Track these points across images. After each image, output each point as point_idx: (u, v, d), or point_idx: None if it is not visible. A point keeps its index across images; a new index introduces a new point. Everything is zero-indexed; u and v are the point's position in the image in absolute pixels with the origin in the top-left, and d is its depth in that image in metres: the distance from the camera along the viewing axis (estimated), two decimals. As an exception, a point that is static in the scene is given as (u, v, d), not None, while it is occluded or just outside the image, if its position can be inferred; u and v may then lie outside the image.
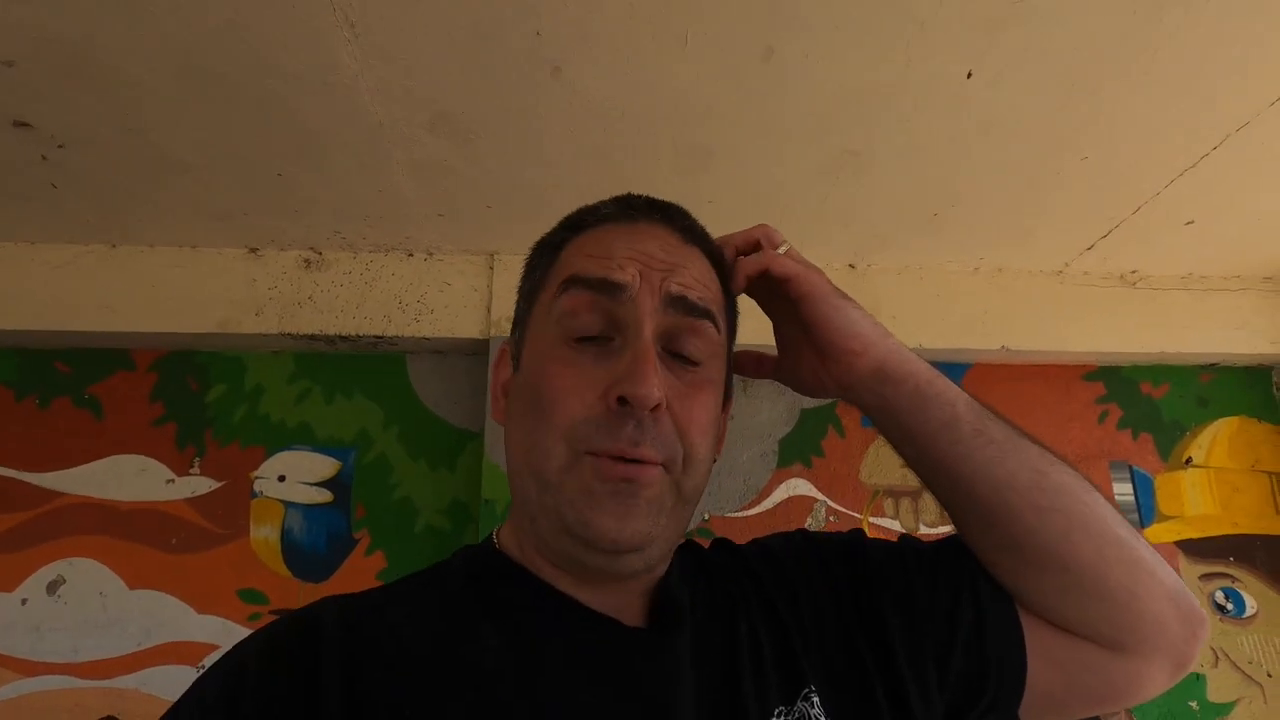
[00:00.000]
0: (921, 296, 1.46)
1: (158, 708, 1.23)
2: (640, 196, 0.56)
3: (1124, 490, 1.49)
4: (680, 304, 0.49)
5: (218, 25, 0.84)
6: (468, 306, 1.38)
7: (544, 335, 0.51)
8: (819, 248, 1.41)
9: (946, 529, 1.48)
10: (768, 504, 1.42)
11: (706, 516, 1.40)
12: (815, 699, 0.49)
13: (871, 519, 1.43)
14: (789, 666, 0.50)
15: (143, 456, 1.35)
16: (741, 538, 1.48)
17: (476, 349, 1.40)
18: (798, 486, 1.43)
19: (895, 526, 1.42)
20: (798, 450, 1.45)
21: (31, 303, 1.32)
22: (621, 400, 0.45)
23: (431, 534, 1.35)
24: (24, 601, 1.26)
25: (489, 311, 1.38)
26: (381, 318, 1.36)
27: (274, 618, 1.27)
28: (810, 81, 0.95)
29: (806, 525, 1.41)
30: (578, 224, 0.55)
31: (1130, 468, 1.51)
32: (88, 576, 1.28)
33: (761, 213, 1.28)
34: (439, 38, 0.88)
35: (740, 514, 1.41)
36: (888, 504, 1.44)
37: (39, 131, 1.03)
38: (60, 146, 1.07)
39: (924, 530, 1.43)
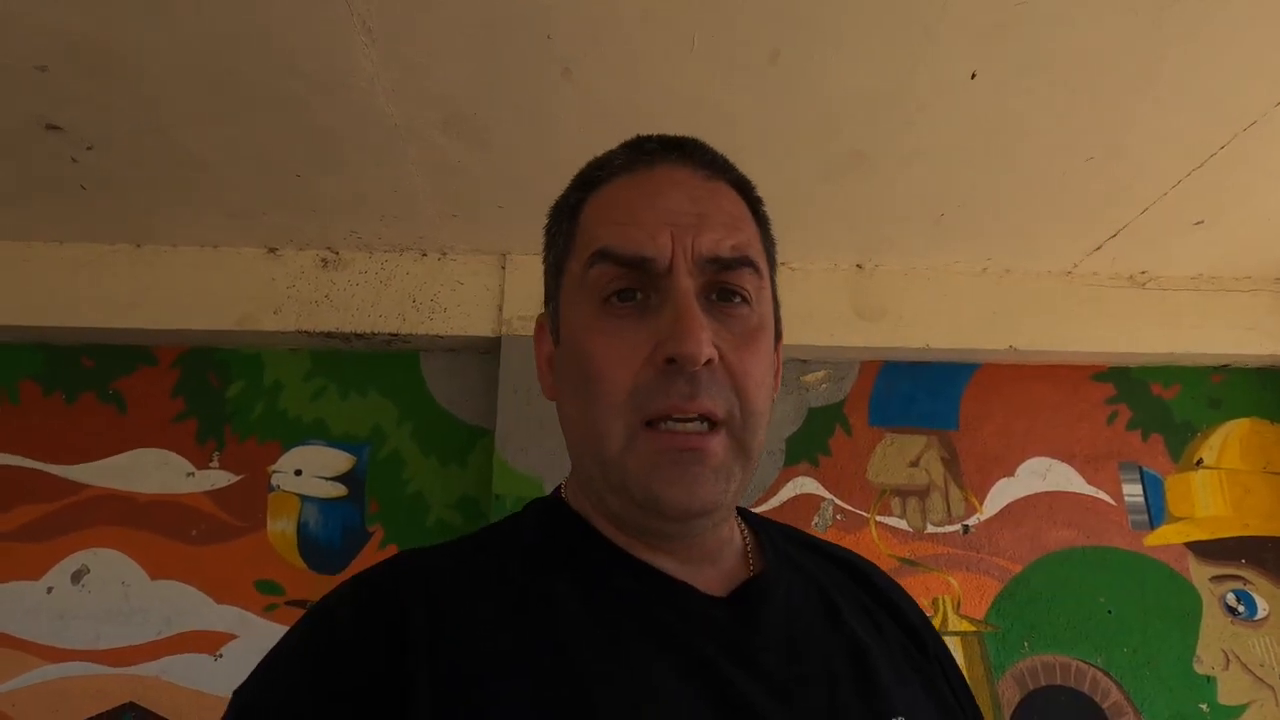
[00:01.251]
0: (929, 297, 1.47)
1: (177, 695, 1.27)
2: (651, 138, 0.53)
3: (1134, 491, 1.49)
4: (714, 263, 0.47)
5: (240, 30, 0.87)
6: (480, 305, 1.41)
7: (580, 305, 0.48)
8: (826, 249, 1.43)
9: (952, 528, 1.48)
10: (775, 501, 1.43)
11: (714, 513, 1.41)
12: None
13: (878, 518, 1.44)
14: (886, 681, 0.49)
15: (164, 450, 1.38)
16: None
17: (488, 347, 1.43)
18: (804, 485, 1.44)
19: (902, 525, 1.43)
20: (804, 449, 1.46)
21: (59, 300, 1.36)
22: (670, 360, 0.44)
23: (443, 528, 1.37)
24: (50, 590, 1.30)
25: (501, 310, 1.40)
26: (396, 316, 1.39)
27: (290, 609, 1.32)
28: (816, 84, 0.97)
29: (813, 524, 1.42)
30: (591, 181, 0.52)
31: (1140, 468, 1.51)
32: (110, 566, 1.31)
33: (771, 213, 1.29)
34: (453, 41, 0.90)
35: (747, 511, 1.42)
36: (894, 503, 1.45)
37: (69, 134, 1.07)
38: (89, 149, 1.10)
39: (930, 529, 1.43)
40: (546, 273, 0.55)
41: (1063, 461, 1.49)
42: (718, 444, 0.45)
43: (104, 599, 1.30)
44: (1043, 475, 1.48)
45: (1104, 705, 1.36)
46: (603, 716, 0.41)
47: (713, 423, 0.45)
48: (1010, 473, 1.48)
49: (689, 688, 0.43)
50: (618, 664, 0.43)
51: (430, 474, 1.40)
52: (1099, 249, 1.42)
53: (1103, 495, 1.48)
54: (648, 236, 0.46)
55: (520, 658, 0.42)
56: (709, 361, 0.44)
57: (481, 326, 1.39)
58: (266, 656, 0.43)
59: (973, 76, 0.97)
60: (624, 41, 0.90)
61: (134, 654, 1.28)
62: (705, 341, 0.44)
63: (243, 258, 1.40)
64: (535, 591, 0.46)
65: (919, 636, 0.56)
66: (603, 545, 0.49)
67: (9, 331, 1.38)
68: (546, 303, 0.55)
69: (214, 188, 1.21)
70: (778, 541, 0.56)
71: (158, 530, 1.34)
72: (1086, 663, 1.38)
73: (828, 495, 1.44)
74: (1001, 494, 1.47)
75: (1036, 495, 1.47)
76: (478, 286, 1.42)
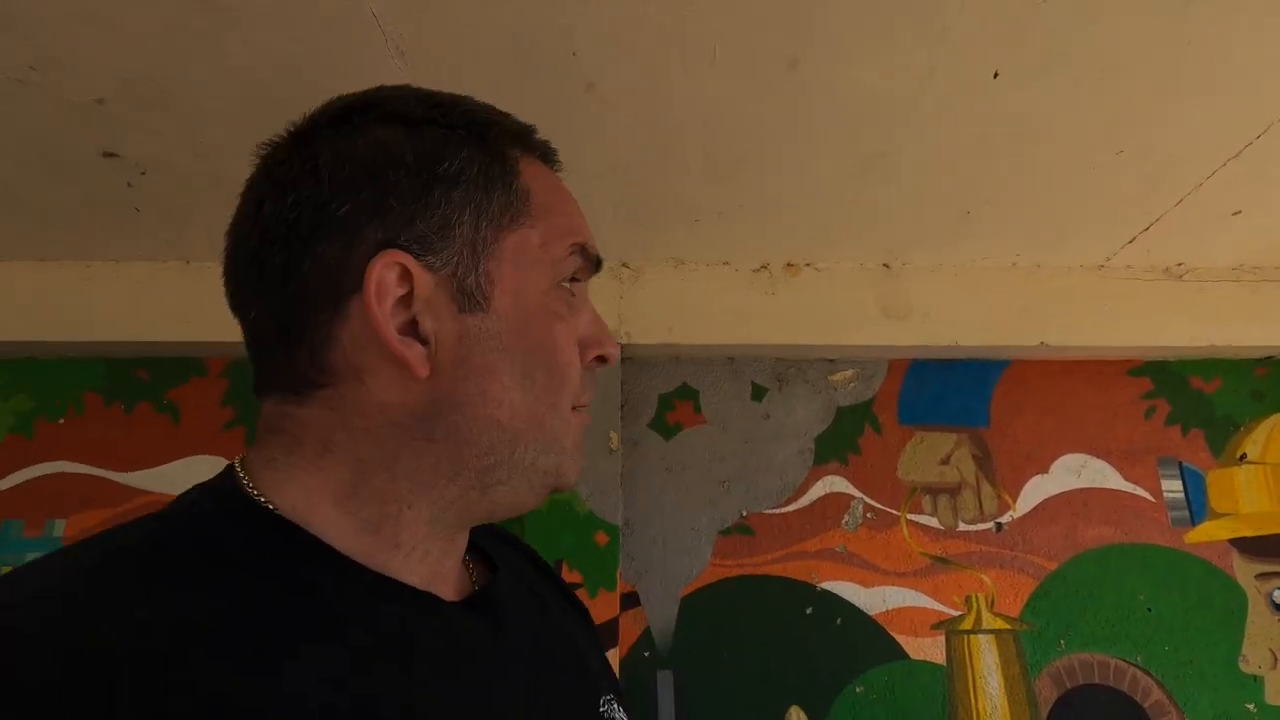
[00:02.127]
0: (956, 294, 1.46)
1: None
2: (534, 128, 0.50)
3: (1173, 487, 1.47)
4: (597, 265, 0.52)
5: (281, 60, 0.92)
6: (511, 312, 1.44)
7: (534, 281, 0.45)
8: (851, 248, 1.44)
9: (984, 526, 1.47)
10: (804, 501, 1.44)
11: (744, 513, 1.43)
12: (615, 701, 0.52)
13: (909, 515, 1.44)
14: (594, 665, 0.54)
15: (216, 457, 1.45)
16: (779, 534, 1.51)
17: (520, 353, 1.46)
18: (834, 484, 1.45)
19: (934, 524, 1.43)
20: (834, 447, 1.47)
21: (116, 316, 1.44)
22: (601, 360, 0.49)
23: (479, 530, 1.41)
24: (114, 590, 1.38)
25: (531, 316, 1.44)
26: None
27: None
28: (835, 89, 0.98)
29: (843, 522, 1.43)
30: (521, 137, 0.48)
31: (1180, 464, 1.48)
32: (169, 567, 1.39)
33: (794, 215, 1.31)
34: (482, 61, 0.94)
35: (777, 511, 1.44)
36: (925, 501, 1.45)
37: (124, 160, 1.14)
38: (142, 173, 1.17)
39: (962, 526, 1.43)
40: (436, 207, 0.42)
41: (1098, 458, 1.47)
42: None
43: (164, 598, 1.37)
44: (1077, 472, 1.47)
45: (1145, 704, 1.34)
46: None
47: None
48: (1044, 469, 1.47)
49: (447, 706, 0.40)
50: (371, 697, 0.37)
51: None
52: (1132, 242, 1.40)
53: (1141, 492, 1.46)
54: (589, 230, 0.51)
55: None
56: None
57: (513, 333, 1.43)
58: None
59: (995, 76, 0.97)
60: (646, 56, 0.93)
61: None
62: None
63: (285, 271, 1.46)
64: (252, 641, 0.35)
65: (583, 609, 0.62)
66: (342, 564, 0.40)
67: (74, 347, 1.46)
68: (425, 242, 0.42)
69: (258, 206, 1.27)
70: (481, 538, 0.55)
71: (212, 533, 1.41)
72: (1126, 661, 1.36)
73: (858, 494, 1.45)
74: (1035, 491, 1.46)
75: (1071, 492, 1.46)
76: (509, 294, 1.46)
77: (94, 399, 1.49)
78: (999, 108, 1.03)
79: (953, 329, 1.44)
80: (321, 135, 0.44)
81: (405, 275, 0.41)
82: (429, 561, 0.45)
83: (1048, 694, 1.34)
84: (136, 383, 1.50)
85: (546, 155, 0.50)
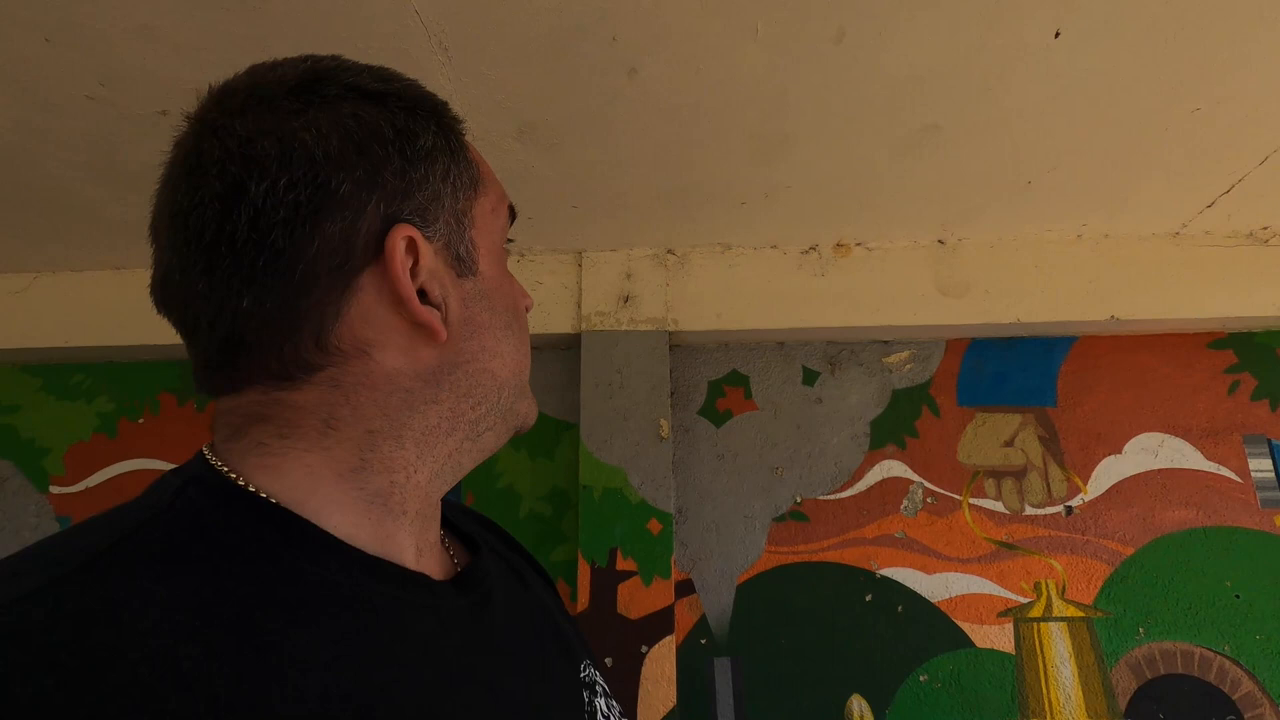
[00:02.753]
0: (1018, 269, 1.40)
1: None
2: (448, 104, 0.50)
3: (1262, 466, 1.38)
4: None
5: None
6: (559, 303, 1.45)
7: (495, 246, 0.50)
8: (903, 225, 1.39)
9: (1053, 509, 1.42)
10: (860, 486, 1.41)
11: (799, 499, 1.41)
12: (591, 667, 0.54)
13: (972, 500, 1.39)
14: (569, 633, 0.56)
15: (282, 452, 1.51)
16: (834, 521, 1.48)
17: (569, 343, 1.47)
18: (891, 468, 1.42)
19: (998, 508, 1.38)
20: (890, 431, 1.43)
21: (186, 320, 1.51)
22: (527, 309, 0.53)
23: (535, 520, 1.44)
24: (194, 580, 1.45)
25: (579, 306, 1.44)
26: (481, 318, 1.46)
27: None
28: (884, 60, 0.95)
29: (902, 507, 1.39)
30: (457, 124, 0.49)
31: (1269, 442, 1.39)
32: (243, 558, 1.45)
33: (841, 194, 1.27)
34: (524, 53, 0.94)
35: (832, 496, 1.41)
36: (989, 484, 1.40)
37: (188, 169, 1.18)
38: (205, 181, 1.22)
39: (1029, 510, 1.38)
40: (424, 181, 0.44)
41: (1177, 436, 1.40)
42: None
43: (239, 588, 1.44)
44: (1154, 452, 1.39)
45: (1234, 696, 1.27)
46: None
47: None
48: (1117, 450, 1.40)
49: (443, 686, 0.40)
50: (370, 682, 0.36)
51: (520, 467, 1.46)
52: (1211, 206, 1.31)
53: (1225, 472, 1.38)
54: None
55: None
56: None
57: (562, 324, 1.44)
58: None
59: (1056, 35, 0.92)
60: (687, 37, 0.91)
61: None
62: None
63: (341, 271, 1.51)
64: (250, 635, 0.34)
65: (549, 578, 0.65)
66: (329, 544, 0.40)
67: (149, 350, 1.54)
68: (424, 214, 0.44)
69: (313, 208, 1.31)
70: (453, 515, 0.56)
71: (281, 525, 1.47)
72: (1212, 650, 1.29)
73: (916, 478, 1.41)
74: (1108, 473, 1.39)
75: (1148, 473, 1.38)
76: (556, 285, 1.47)
77: (168, 399, 1.57)
78: (1061, 69, 0.97)
79: (1015, 305, 1.38)
80: (281, 108, 0.41)
81: (411, 247, 0.42)
82: (422, 530, 0.46)
83: (1126, 684, 1.28)
84: (207, 383, 1.57)
85: (464, 129, 0.51)
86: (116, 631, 0.30)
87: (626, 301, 1.44)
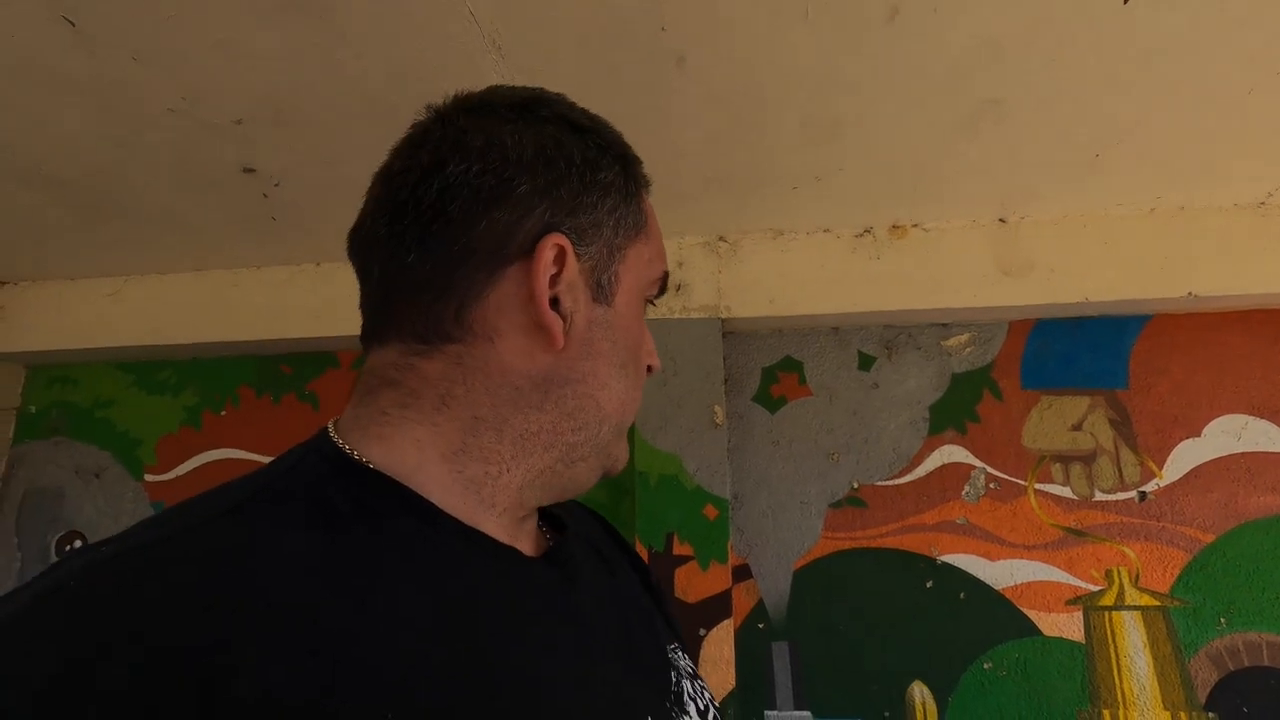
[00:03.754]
0: (1085, 245, 1.35)
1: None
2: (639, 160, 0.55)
3: (1358, 449, 1.29)
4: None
5: (392, 69, 0.98)
6: (612, 293, 1.47)
7: (636, 290, 0.52)
8: (961, 205, 1.35)
9: (1125, 495, 1.37)
10: (919, 472, 1.39)
11: (856, 485, 1.40)
12: (681, 650, 0.57)
13: (1038, 485, 1.35)
14: (657, 618, 0.58)
15: (352, 441, 1.58)
16: (892, 507, 1.47)
17: (622, 332, 1.49)
18: (952, 454, 1.39)
19: (1066, 493, 1.34)
20: (950, 416, 1.41)
21: (260, 317, 1.60)
22: (650, 370, 0.55)
23: (592, 506, 1.46)
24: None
25: (631, 296, 1.46)
26: (536, 309, 1.49)
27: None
28: (939, 36, 0.93)
29: (963, 493, 1.37)
30: (639, 178, 0.53)
31: (1366, 423, 1.30)
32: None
33: (898, 174, 1.25)
34: (574, 47, 0.95)
35: (890, 482, 1.40)
36: (1055, 470, 1.36)
37: (261, 174, 1.25)
38: (276, 185, 1.28)
39: (1099, 496, 1.33)
40: (606, 214, 0.49)
41: (1262, 419, 1.32)
42: None
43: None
44: (1237, 435, 1.32)
45: (1326, 690, 1.20)
46: (504, 700, 0.39)
47: None
48: (1195, 433, 1.34)
49: (544, 650, 0.43)
50: (467, 639, 0.39)
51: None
52: (1300, 173, 1.23)
53: (1316, 455, 1.30)
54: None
55: (386, 671, 0.36)
56: None
57: (614, 313, 1.46)
58: None
59: (1125, 1, 0.88)
60: (736, 23, 0.91)
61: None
62: None
63: (402, 267, 1.56)
64: (379, 594, 0.38)
65: (647, 571, 0.66)
66: (438, 518, 0.43)
67: (228, 347, 1.63)
68: (584, 236, 0.47)
69: (375, 207, 1.36)
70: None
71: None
72: (1301, 642, 1.23)
73: (978, 464, 1.38)
74: (1185, 457, 1.33)
75: (1230, 457, 1.32)
76: (608, 275, 1.49)
77: (247, 392, 1.66)
78: (1132, 37, 0.93)
79: (1082, 284, 1.33)
80: (499, 115, 0.48)
81: (560, 257, 0.46)
82: (510, 527, 0.48)
83: (1206, 676, 1.23)
84: (281, 376, 1.66)
85: (648, 188, 0.56)
86: (241, 572, 0.35)
87: (679, 290, 1.45)
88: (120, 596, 0.32)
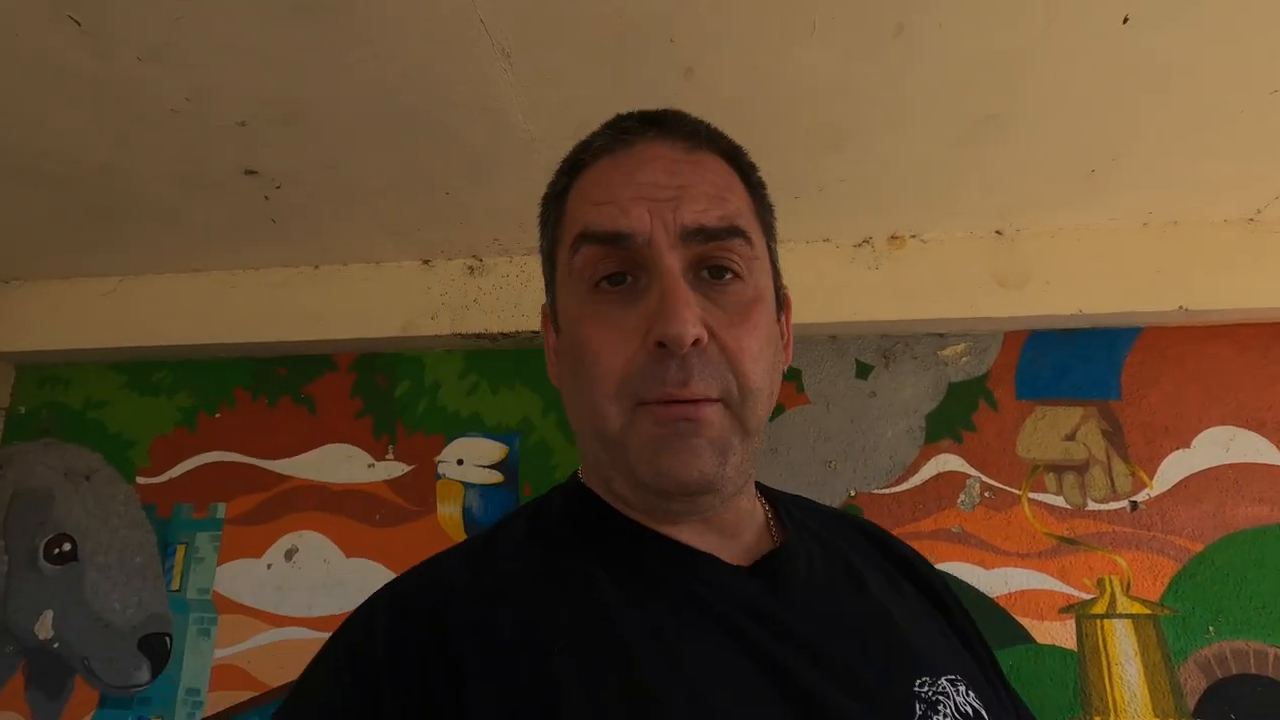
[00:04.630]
0: (1081, 258, 1.37)
1: (374, 657, 1.45)
2: (630, 114, 0.52)
3: (1344, 461, 1.32)
4: (699, 234, 0.45)
5: (399, 72, 0.98)
6: (612, 299, 1.48)
7: (572, 292, 0.49)
8: (960, 216, 1.37)
9: (1117, 505, 1.38)
10: (915, 480, 1.40)
11: (853, 493, 1.41)
12: (964, 687, 0.47)
13: (1031, 494, 1.37)
14: (922, 644, 0.50)
15: (348, 445, 1.58)
16: (889, 515, 1.48)
17: (621, 338, 1.50)
18: (948, 462, 1.40)
19: (1059, 503, 1.36)
20: (946, 425, 1.42)
21: (257, 318, 1.59)
22: (660, 344, 0.43)
23: (590, 510, 1.47)
24: (269, 566, 1.53)
25: (631, 303, 1.47)
26: (536, 314, 1.49)
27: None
28: (944, 51, 0.94)
29: (959, 501, 1.38)
30: (575, 164, 0.52)
31: (1351, 436, 1.33)
32: (315, 546, 1.52)
33: (898, 185, 1.27)
34: (582, 56, 0.96)
35: (887, 490, 1.41)
36: (1049, 479, 1.37)
37: (262, 176, 1.24)
38: (278, 187, 1.28)
39: (1092, 505, 1.35)
40: (543, 262, 0.55)
41: (1250, 430, 1.35)
42: (714, 413, 0.44)
43: (311, 574, 1.51)
44: (1225, 446, 1.35)
45: (1311, 698, 1.22)
46: (653, 693, 0.41)
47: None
48: (1185, 444, 1.36)
49: (725, 656, 0.43)
50: (655, 638, 0.43)
51: (573, 456, 1.50)
52: (1289, 191, 1.26)
53: (1303, 466, 1.32)
54: (621, 212, 0.45)
55: (571, 632, 0.43)
56: (698, 342, 0.43)
57: (614, 319, 1.47)
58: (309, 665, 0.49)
59: (1125, 20, 0.90)
60: (743, 36, 0.92)
61: (338, 621, 1.46)
62: (691, 321, 0.42)
63: (402, 271, 1.56)
64: (573, 570, 0.47)
65: (941, 599, 0.58)
66: (625, 523, 0.50)
67: (224, 348, 1.62)
68: (547, 291, 0.55)
69: (377, 210, 1.36)
70: (794, 512, 0.57)
71: (349, 515, 1.53)
72: (1288, 651, 1.25)
73: (974, 472, 1.39)
74: (1175, 467, 1.35)
75: (1219, 468, 1.34)
76: (609, 282, 1.49)
77: (243, 395, 1.65)
78: (1129, 54, 0.95)
79: (1077, 296, 1.35)
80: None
81: (545, 313, 0.58)
82: (695, 529, 0.50)
83: (1195, 683, 1.25)
84: (277, 379, 1.65)
85: (612, 145, 0.50)
86: (489, 572, 0.48)
87: (679, 297, 1.45)
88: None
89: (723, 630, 0.44)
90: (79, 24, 0.90)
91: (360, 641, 0.45)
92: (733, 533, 0.52)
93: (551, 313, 0.54)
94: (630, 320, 0.45)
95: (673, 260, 0.44)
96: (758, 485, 0.59)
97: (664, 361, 0.43)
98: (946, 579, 0.61)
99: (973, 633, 0.58)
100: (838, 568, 0.53)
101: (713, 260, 0.46)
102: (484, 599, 0.45)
